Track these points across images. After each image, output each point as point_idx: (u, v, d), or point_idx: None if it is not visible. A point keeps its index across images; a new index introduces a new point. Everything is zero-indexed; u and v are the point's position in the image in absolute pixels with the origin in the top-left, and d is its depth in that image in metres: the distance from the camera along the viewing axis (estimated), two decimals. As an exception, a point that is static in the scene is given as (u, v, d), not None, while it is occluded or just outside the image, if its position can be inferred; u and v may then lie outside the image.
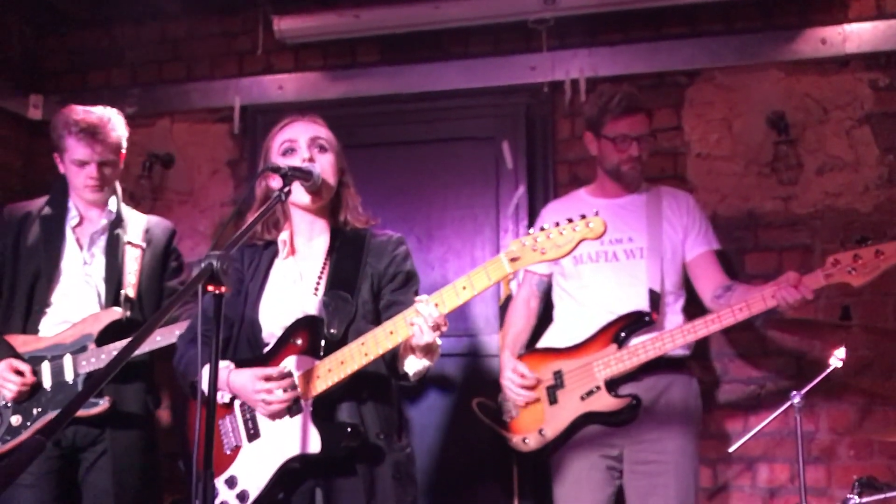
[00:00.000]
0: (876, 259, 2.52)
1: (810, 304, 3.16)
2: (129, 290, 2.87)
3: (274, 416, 2.18)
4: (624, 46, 3.58)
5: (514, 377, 2.85)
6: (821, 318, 3.23)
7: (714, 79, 3.53)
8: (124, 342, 2.70)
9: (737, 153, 3.48)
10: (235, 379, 2.19)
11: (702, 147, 3.52)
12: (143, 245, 2.96)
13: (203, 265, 1.71)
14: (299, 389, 2.15)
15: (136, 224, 2.99)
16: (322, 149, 2.33)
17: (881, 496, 2.52)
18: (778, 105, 3.44)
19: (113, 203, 2.96)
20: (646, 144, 2.92)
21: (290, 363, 2.19)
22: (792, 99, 3.45)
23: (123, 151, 2.97)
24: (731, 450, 2.80)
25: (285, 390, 2.14)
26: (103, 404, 2.73)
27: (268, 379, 2.14)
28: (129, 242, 2.93)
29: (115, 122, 2.90)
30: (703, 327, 2.67)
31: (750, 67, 3.48)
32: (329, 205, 2.38)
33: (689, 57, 3.52)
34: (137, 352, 2.57)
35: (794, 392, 2.67)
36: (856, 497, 2.50)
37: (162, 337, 2.75)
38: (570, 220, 1.98)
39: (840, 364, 2.70)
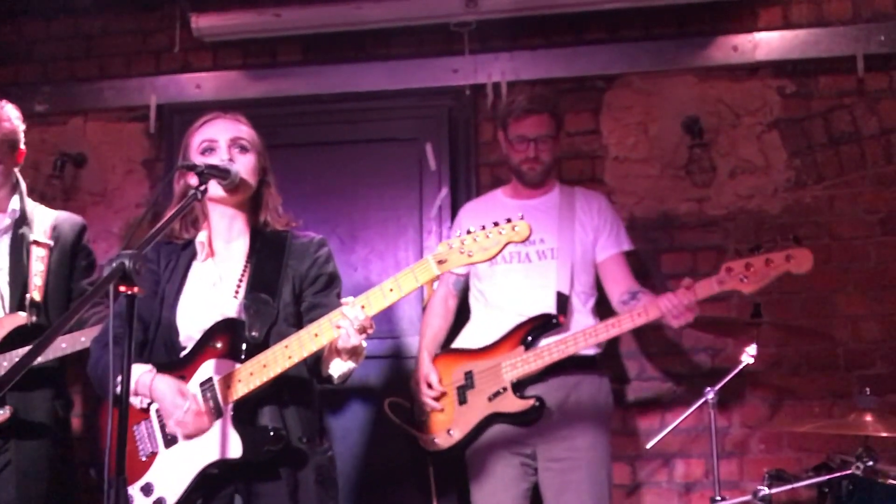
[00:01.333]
0: (766, 268, 2.63)
1: (723, 302, 3.30)
2: (35, 293, 2.73)
3: (185, 435, 2.13)
4: (544, 51, 3.63)
5: (423, 386, 2.90)
6: (733, 316, 3.34)
7: (631, 84, 3.61)
8: (28, 349, 2.61)
9: (653, 156, 3.57)
10: (157, 385, 2.13)
11: (619, 150, 3.60)
12: (50, 243, 2.82)
13: (114, 265, 1.65)
14: (215, 407, 2.11)
15: (43, 221, 2.85)
16: (243, 149, 2.29)
17: (789, 486, 2.62)
18: (692, 110, 3.54)
19: (16, 201, 2.82)
20: (546, 146, 2.95)
21: (209, 367, 2.15)
22: (705, 104, 3.55)
23: (22, 147, 2.84)
24: (648, 446, 2.87)
25: (199, 413, 2.10)
26: (3, 414, 2.61)
27: (184, 396, 2.10)
28: (35, 241, 2.79)
29: None
30: (604, 331, 2.76)
31: (666, 73, 3.58)
32: (249, 205, 2.34)
33: (607, 62, 3.59)
34: (41, 358, 2.51)
35: (708, 388, 2.75)
36: (766, 489, 2.58)
37: (67, 344, 2.64)
38: (496, 224, 2.02)
39: (752, 360, 2.79)
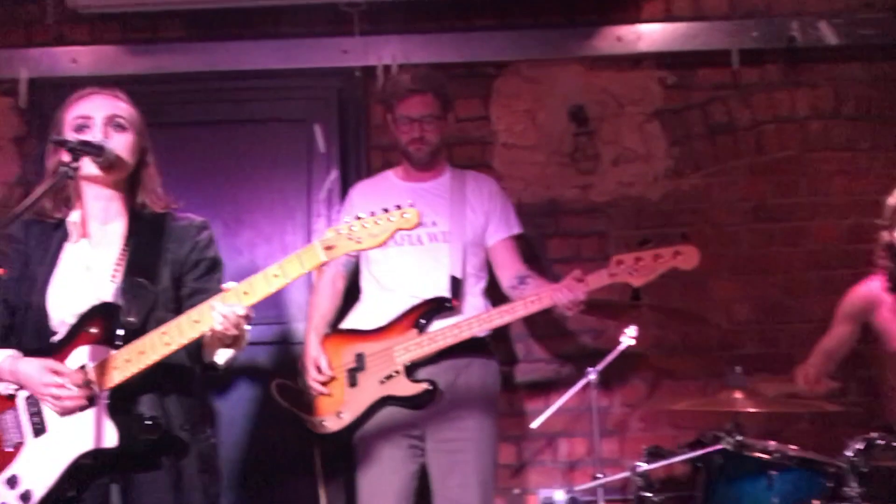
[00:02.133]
0: (654, 262, 2.75)
1: (605, 288, 3.38)
2: None
3: (65, 412, 2.04)
4: (435, 35, 3.62)
5: (311, 370, 2.87)
6: (614, 299, 3.44)
7: (520, 71, 3.66)
8: None
9: (540, 143, 3.63)
10: (23, 368, 2.04)
11: (508, 137, 3.64)
12: None
13: (-25, 245, 1.56)
14: (94, 383, 2.03)
15: None
16: (120, 128, 2.20)
17: (665, 462, 2.74)
18: (578, 98, 3.61)
19: None
20: (431, 126, 2.95)
21: (83, 353, 2.06)
22: (591, 93, 3.63)
23: None
24: (533, 426, 2.94)
25: (79, 385, 2.01)
26: None
27: (58, 373, 2.01)
28: None
29: None
30: (498, 317, 2.81)
31: (553, 61, 3.64)
32: (126, 186, 2.25)
33: (497, 49, 3.62)
34: None
35: (591, 369, 2.84)
36: (644, 465, 2.69)
37: None
38: (386, 210, 2.02)
39: (632, 341, 2.90)
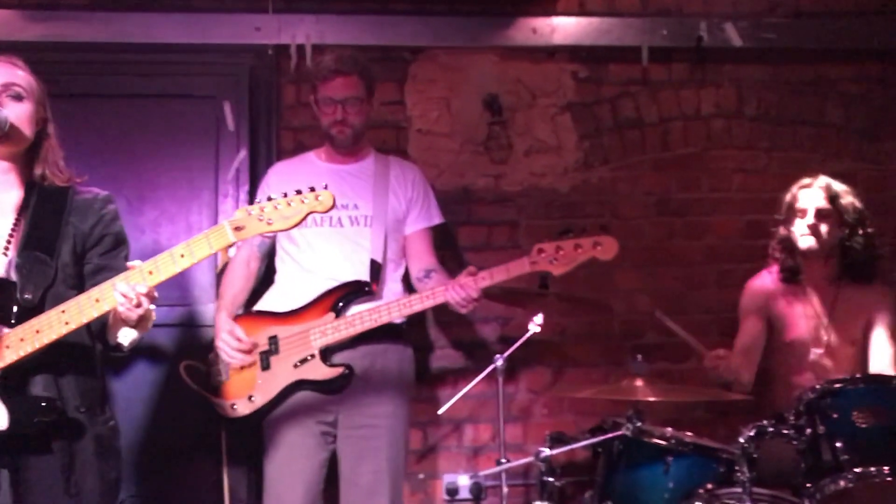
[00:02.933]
0: (574, 252, 2.77)
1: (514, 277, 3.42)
2: None
3: None
4: (351, 17, 3.58)
5: (229, 339, 2.79)
6: (522, 287, 3.49)
7: (436, 57, 3.66)
8: None
9: (454, 131, 3.64)
10: None
11: (423, 123, 3.64)
12: None
13: None
14: None
15: None
16: (17, 97, 2.11)
17: (567, 448, 2.80)
18: (493, 87, 3.64)
19: None
20: (354, 108, 2.91)
21: (-28, 331, 1.97)
22: (505, 83, 3.66)
23: None
24: (440, 412, 2.96)
25: None
26: None
27: None
28: None
29: None
30: (418, 302, 2.79)
31: (469, 49, 3.65)
32: (24, 157, 2.15)
33: (413, 34, 3.60)
34: None
35: (498, 356, 2.87)
36: (546, 450, 2.74)
37: None
38: (299, 192, 2.00)
39: (539, 329, 2.94)
